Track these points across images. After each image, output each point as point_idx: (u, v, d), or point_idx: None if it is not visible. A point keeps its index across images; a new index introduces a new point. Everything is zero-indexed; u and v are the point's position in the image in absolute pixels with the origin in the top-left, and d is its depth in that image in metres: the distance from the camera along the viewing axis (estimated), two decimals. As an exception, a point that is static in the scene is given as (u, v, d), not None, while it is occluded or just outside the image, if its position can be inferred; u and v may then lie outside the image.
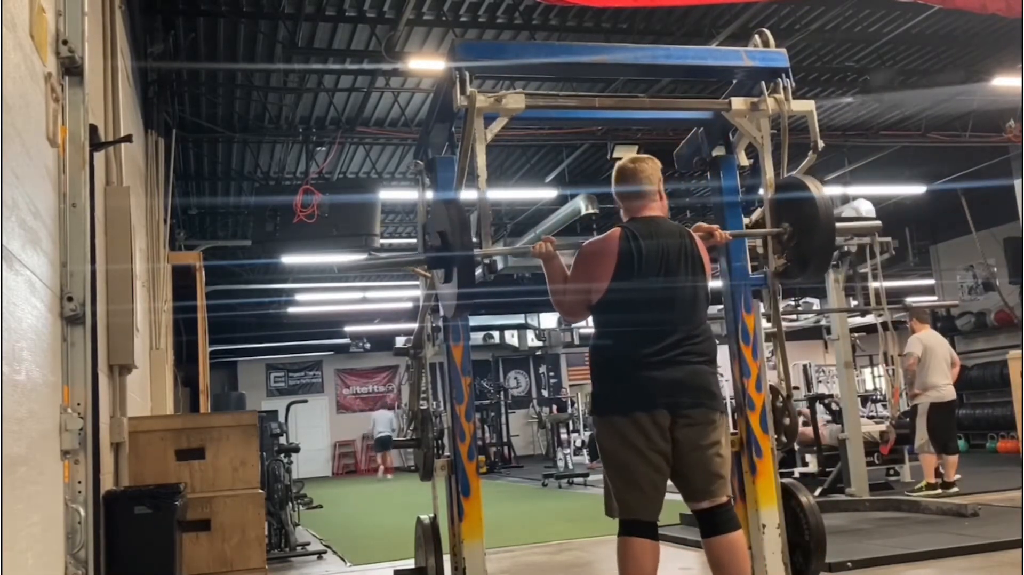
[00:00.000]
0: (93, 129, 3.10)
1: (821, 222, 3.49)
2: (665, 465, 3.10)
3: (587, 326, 17.82)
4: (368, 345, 21.94)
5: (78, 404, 2.73)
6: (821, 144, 3.68)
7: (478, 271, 3.36)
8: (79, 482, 2.75)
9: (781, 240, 3.66)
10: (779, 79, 3.65)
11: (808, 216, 3.53)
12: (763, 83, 3.66)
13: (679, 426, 3.09)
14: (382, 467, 19.37)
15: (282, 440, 8.14)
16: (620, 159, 3.52)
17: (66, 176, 2.78)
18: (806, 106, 3.70)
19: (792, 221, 3.60)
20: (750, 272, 3.93)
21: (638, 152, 9.57)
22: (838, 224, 3.61)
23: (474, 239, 3.28)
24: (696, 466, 3.11)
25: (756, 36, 3.77)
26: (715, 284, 3.60)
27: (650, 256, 3.19)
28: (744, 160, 4.04)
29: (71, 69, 2.83)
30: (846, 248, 7.58)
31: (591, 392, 3.31)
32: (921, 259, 15.58)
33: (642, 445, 3.06)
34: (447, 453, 3.84)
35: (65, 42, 2.78)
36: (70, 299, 2.72)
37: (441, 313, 3.83)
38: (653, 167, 3.39)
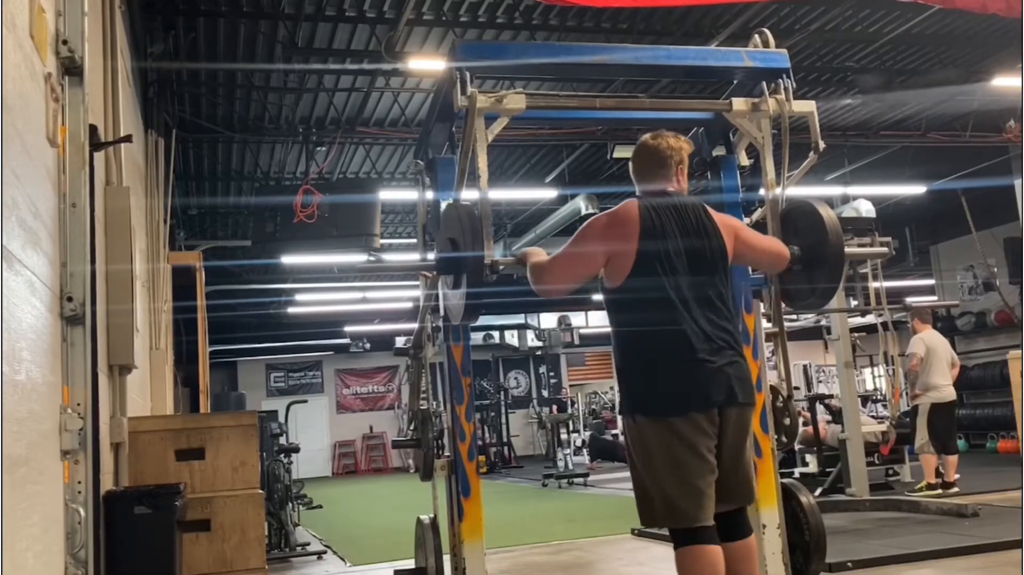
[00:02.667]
0: (93, 129, 3.10)
1: (830, 258, 3.38)
2: (716, 466, 2.87)
3: (587, 326, 17.62)
4: (368, 345, 21.94)
5: (78, 404, 2.73)
6: (822, 145, 3.68)
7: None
8: (79, 482, 2.75)
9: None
10: (780, 79, 3.65)
11: (817, 246, 3.43)
12: (764, 83, 3.66)
13: (728, 424, 2.88)
14: None
15: (282, 440, 8.14)
16: (643, 138, 3.29)
17: (66, 176, 2.78)
18: (807, 106, 3.69)
19: (801, 245, 3.52)
20: (751, 272, 3.93)
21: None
22: (847, 250, 3.53)
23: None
24: (737, 467, 2.93)
25: (756, 36, 3.77)
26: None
27: (674, 229, 2.94)
28: (745, 160, 4.04)
29: (71, 69, 2.83)
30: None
31: (628, 387, 2.96)
32: (921, 259, 15.58)
33: (701, 446, 2.80)
34: (447, 453, 3.84)
35: (65, 42, 2.77)
36: (70, 299, 2.72)
37: (442, 314, 3.83)
38: (676, 144, 3.19)
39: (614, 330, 3.08)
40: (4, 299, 1.98)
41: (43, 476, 2.39)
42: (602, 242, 2.96)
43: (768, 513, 3.71)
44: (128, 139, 4.16)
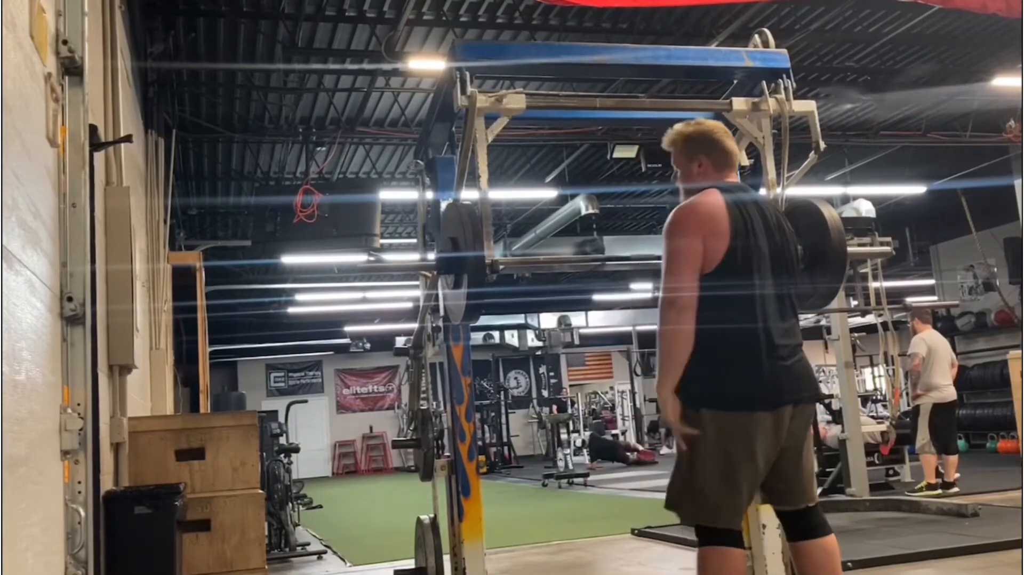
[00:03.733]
0: (93, 129, 3.09)
1: (832, 257, 3.36)
2: (765, 470, 2.79)
3: (586, 326, 17.60)
4: (368, 345, 21.95)
5: (78, 404, 2.73)
6: (823, 145, 3.68)
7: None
8: (79, 482, 2.74)
9: None
10: (780, 79, 3.65)
11: (819, 246, 3.42)
12: (764, 83, 3.66)
13: (795, 422, 2.79)
14: None
15: (282, 440, 8.14)
16: (700, 123, 3.13)
17: (66, 176, 2.78)
18: (807, 106, 3.69)
19: (803, 245, 3.52)
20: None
21: (638, 152, 9.64)
22: (849, 249, 3.52)
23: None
24: (801, 466, 2.84)
25: (756, 36, 3.76)
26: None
27: (759, 226, 2.87)
28: (745, 160, 4.04)
29: (71, 69, 2.83)
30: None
31: (695, 380, 2.76)
32: (921, 259, 15.59)
33: (759, 448, 2.72)
34: (447, 453, 3.84)
35: (65, 42, 2.77)
36: (70, 299, 2.72)
37: (442, 314, 3.83)
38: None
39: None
40: (4, 299, 1.97)
41: (43, 476, 2.38)
42: (698, 237, 2.80)
43: (767, 513, 3.72)
44: (128, 139, 4.16)
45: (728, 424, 2.71)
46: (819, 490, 7.81)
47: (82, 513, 2.72)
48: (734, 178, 3.07)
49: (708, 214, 2.83)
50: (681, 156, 3.09)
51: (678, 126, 3.12)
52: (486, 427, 19.80)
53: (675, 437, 2.84)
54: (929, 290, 16.66)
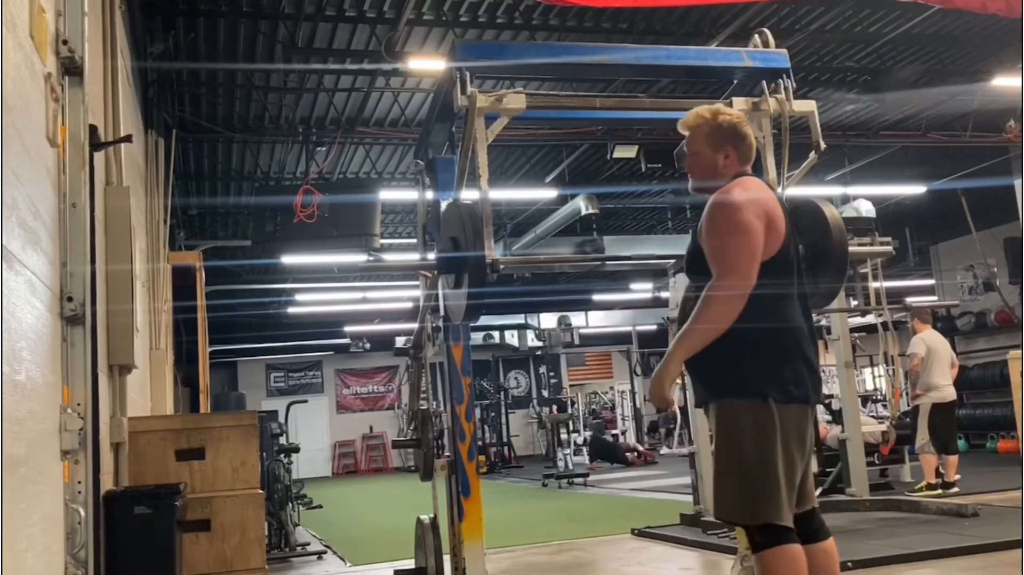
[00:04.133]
0: (93, 129, 3.10)
1: (834, 260, 3.36)
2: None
3: (586, 326, 17.58)
4: (368, 345, 21.96)
5: (78, 404, 2.73)
6: (823, 145, 3.68)
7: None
8: (79, 482, 2.75)
9: None
10: (780, 79, 3.66)
11: (821, 245, 3.42)
12: (764, 83, 3.67)
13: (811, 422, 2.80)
14: None
15: (282, 440, 8.14)
16: (724, 112, 2.92)
17: (66, 176, 2.78)
18: (807, 106, 3.71)
19: (804, 244, 3.52)
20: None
21: (638, 152, 9.64)
22: (850, 249, 3.53)
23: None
24: (809, 468, 2.79)
25: (756, 36, 3.77)
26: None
27: (790, 223, 2.82)
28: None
29: (71, 69, 2.83)
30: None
31: (748, 366, 2.64)
32: (921, 259, 15.60)
33: (808, 441, 2.69)
34: (447, 453, 3.84)
35: (65, 42, 2.78)
36: (70, 299, 2.72)
37: (442, 314, 3.83)
38: None
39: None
40: (4, 299, 1.98)
41: (43, 476, 2.39)
42: (762, 225, 2.66)
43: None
44: (128, 139, 4.16)
45: (790, 416, 2.64)
46: (819, 490, 7.82)
47: (82, 513, 2.72)
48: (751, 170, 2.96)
49: (769, 204, 2.69)
50: (704, 144, 2.87)
51: (700, 109, 2.93)
52: (486, 427, 19.80)
53: (652, 400, 2.76)
54: (929, 290, 16.67)
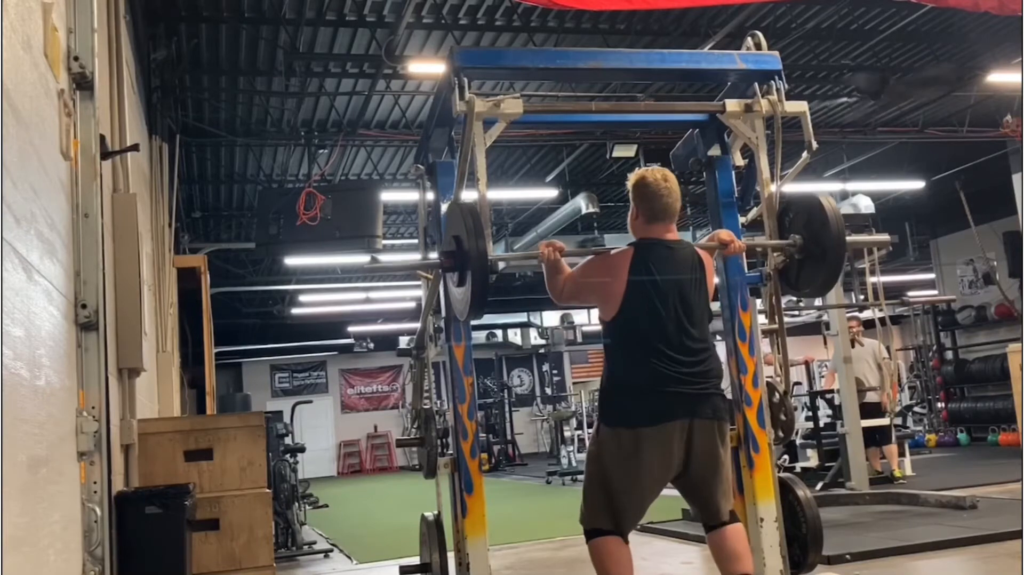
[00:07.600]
0: (101, 138, 3.17)
1: (831, 249, 3.47)
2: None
3: (589, 324, 17.68)
4: (372, 345, 22.01)
5: (93, 407, 2.81)
6: (815, 145, 3.74)
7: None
8: (95, 482, 2.83)
9: (788, 251, 3.70)
10: (772, 81, 3.72)
11: (819, 234, 3.51)
12: (756, 85, 3.73)
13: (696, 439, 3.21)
14: None
15: (288, 440, 8.22)
16: (643, 173, 3.37)
17: (78, 187, 2.86)
18: (799, 107, 3.76)
19: (802, 233, 3.62)
20: (746, 270, 3.99)
21: (637, 152, 9.72)
22: (849, 238, 3.62)
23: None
24: (711, 486, 3.27)
25: (749, 38, 3.83)
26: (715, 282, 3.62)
27: (662, 286, 3.19)
28: (739, 160, 4.10)
29: (82, 84, 2.91)
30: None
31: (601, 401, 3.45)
32: (921, 253, 15.64)
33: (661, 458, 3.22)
34: (450, 451, 3.91)
35: (76, 58, 2.85)
36: (84, 306, 2.80)
37: (444, 313, 3.91)
38: (679, 191, 3.32)
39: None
40: (26, 308, 2.06)
41: (62, 477, 2.47)
42: (595, 276, 3.36)
43: (766, 507, 3.78)
44: (135, 148, 4.23)
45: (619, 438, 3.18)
46: (820, 484, 7.89)
47: (98, 512, 2.80)
48: (670, 231, 3.30)
49: (612, 266, 3.28)
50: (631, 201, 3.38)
51: (636, 171, 3.42)
52: (491, 425, 19.86)
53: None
54: (929, 284, 16.72)
